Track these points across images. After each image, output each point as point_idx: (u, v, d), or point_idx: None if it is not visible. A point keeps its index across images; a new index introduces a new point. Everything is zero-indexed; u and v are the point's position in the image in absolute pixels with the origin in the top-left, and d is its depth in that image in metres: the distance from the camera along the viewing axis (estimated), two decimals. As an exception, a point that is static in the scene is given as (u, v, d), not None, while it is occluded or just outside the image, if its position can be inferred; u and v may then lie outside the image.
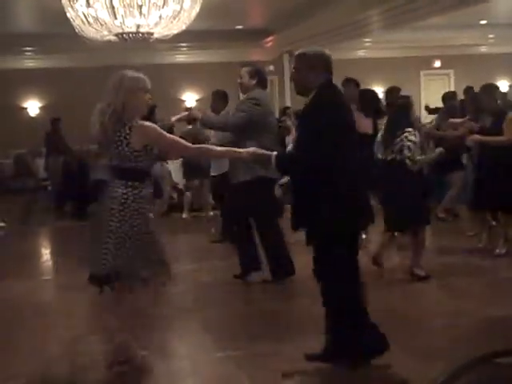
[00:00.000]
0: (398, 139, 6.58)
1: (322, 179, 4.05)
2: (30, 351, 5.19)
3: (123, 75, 4.47)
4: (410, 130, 6.62)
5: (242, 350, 4.87)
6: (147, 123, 4.32)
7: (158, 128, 4.37)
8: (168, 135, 4.44)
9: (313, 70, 4.21)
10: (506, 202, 7.38)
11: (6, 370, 4.78)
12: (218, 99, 8.48)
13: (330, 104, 4.12)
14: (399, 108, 6.98)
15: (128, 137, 4.22)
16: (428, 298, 6.35)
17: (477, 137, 7.51)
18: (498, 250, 7.55)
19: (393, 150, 6.63)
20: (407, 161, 6.60)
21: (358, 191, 4.24)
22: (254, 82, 6.74)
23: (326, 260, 4.21)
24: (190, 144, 4.65)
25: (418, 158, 6.66)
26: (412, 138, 6.58)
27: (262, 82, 6.87)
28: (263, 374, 4.44)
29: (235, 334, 5.31)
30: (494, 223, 8.21)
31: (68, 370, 4.86)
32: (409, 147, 6.55)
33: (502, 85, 18.96)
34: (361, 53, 19.08)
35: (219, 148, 5.11)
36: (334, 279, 4.20)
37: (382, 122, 7.57)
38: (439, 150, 7.09)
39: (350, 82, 8.43)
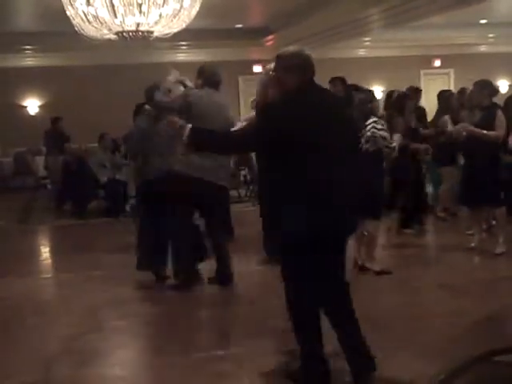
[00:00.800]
0: (365, 130, 6.59)
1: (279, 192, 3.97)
2: (28, 349, 5.20)
3: None
4: (374, 119, 6.67)
5: (243, 348, 4.88)
6: None
7: None
8: None
9: (289, 72, 4.00)
10: (491, 197, 7.43)
11: (5, 369, 4.78)
12: None
13: (274, 117, 3.95)
14: (360, 103, 6.95)
15: None
16: (427, 297, 6.35)
17: (466, 126, 7.48)
18: (498, 249, 7.56)
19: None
20: (385, 149, 6.65)
21: (323, 203, 3.89)
22: (199, 81, 6.64)
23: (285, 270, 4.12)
24: None
25: (394, 144, 6.75)
26: (379, 126, 6.62)
27: (208, 80, 6.59)
28: (263, 373, 4.45)
29: (234, 333, 5.31)
30: (494, 222, 8.23)
31: (67, 368, 4.87)
32: (382, 136, 6.59)
33: (502, 84, 18.98)
34: (361, 52, 19.07)
35: None
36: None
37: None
38: (398, 135, 7.25)
39: (336, 79, 8.44)
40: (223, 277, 6.63)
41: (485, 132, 7.31)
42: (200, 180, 6.21)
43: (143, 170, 7.01)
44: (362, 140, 6.51)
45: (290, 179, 3.89)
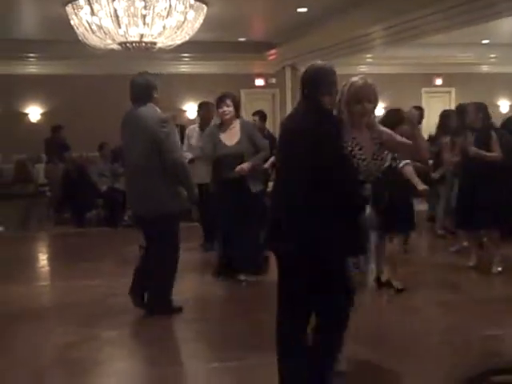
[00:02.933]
0: None
1: None
2: (22, 358, 5.18)
3: None
4: None
5: (238, 361, 4.88)
6: None
7: None
8: None
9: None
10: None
11: None
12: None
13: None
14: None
15: None
16: (422, 315, 6.34)
17: (475, 149, 7.51)
18: (494, 268, 7.56)
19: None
20: (393, 162, 6.67)
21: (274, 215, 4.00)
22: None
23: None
24: None
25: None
26: None
27: (132, 96, 6.16)
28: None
29: (232, 345, 5.31)
30: (485, 239, 8.24)
31: (61, 377, 4.86)
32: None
33: (503, 104, 19.04)
34: (362, 68, 19.09)
35: None
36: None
37: None
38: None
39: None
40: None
41: (489, 154, 7.37)
42: None
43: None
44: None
45: None
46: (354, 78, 4.27)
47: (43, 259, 10.02)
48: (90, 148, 13.72)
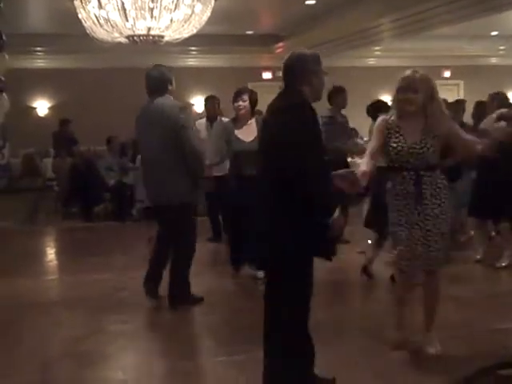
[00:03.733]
0: None
1: None
2: (30, 350, 5.20)
3: None
4: None
5: (245, 354, 4.87)
6: None
7: None
8: None
9: None
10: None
11: (5, 369, 4.79)
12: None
13: None
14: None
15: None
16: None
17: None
18: (499, 262, 7.52)
19: None
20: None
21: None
22: None
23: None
24: None
25: None
26: None
27: (148, 89, 6.26)
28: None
29: (239, 339, 5.30)
30: (493, 234, 8.21)
31: (68, 370, 4.87)
32: None
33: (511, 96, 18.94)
34: (370, 61, 19.07)
35: None
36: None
37: None
38: None
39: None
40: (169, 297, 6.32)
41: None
42: None
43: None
44: None
45: None
46: (407, 71, 4.66)
47: (51, 253, 10.04)
48: (97, 142, 13.73)
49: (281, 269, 3.77)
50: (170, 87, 6.21)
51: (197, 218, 6.35)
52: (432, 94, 4.50)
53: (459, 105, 9.56)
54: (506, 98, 7.89)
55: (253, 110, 7.15)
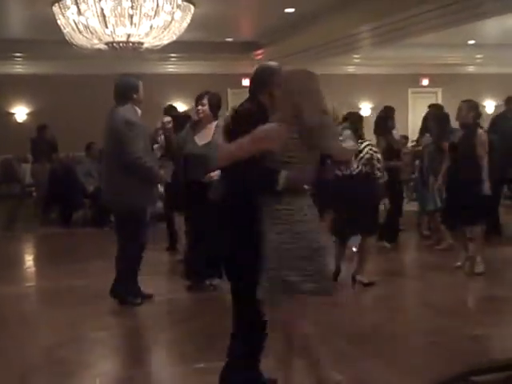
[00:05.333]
0: (363, 153, 6.92)
1: None
2: (7, 359, 5.17)
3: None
4: (368, 142, 6.96)
5: (223, 362, 4.87)
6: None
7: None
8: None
9: None
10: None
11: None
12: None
13: None
14: (350, 123, 7.21)
15: None
16: (411, 315, 6.38)
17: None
18: (477, 268, 7.58)
19: (357, 163, 6.92)
20: (378, 172, 6.86)
21: None
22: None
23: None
24: None
25: (381, 172, 6.99)
26: (375, 149, 6.96)
27: (114, 97, 6.50)
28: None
29: (218, 345, 5.31)
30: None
31: (46, 379, 4.85)
32: (378, 159, 6.87)
33: (489, 105, 19.12)
34: (350, 69, 19.16)
35: None
36: None
37: None
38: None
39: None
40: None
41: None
42: None
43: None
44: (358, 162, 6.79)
45: None
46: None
47: (29, 260, 9.99)
48: (76, 148, 13.68)
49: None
50: (135, 96, 6.39)
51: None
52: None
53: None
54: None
55: (215, 113, 6.92)
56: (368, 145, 7.03)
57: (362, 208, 6.95)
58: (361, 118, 7.56)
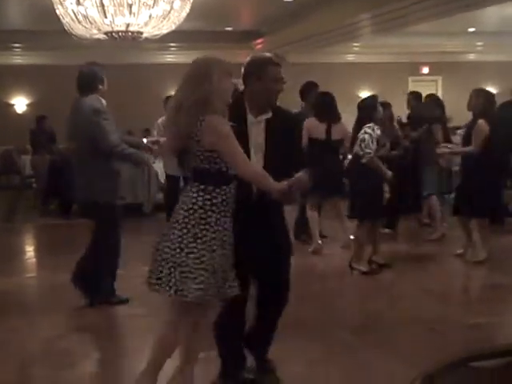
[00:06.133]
0: (359, 134, 6.94)
1: None
2: (8, 349, 5.16)
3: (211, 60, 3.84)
4: (369, 125, 6.88)
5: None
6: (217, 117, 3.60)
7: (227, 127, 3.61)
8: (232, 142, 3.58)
9: None
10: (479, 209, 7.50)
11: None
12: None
13: None
14: (363, 108, 7.15)
15: (199, 133, 3.57)
16: (411, 303, 6.37)
17: (445, 150, 7.87)
18: (480, 256, 7.56)
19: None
20: (360, 153, 6.85)
21: None
22: None
23: None
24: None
25: (368, 150, 6.84)
26: (368, 130, 6.85)
27: (78, 87, 6.37)
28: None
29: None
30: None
31: (47, 368, 4.85)
32: (363, 139, 6.80)
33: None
34: (350, 57, 19.12)
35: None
36: None
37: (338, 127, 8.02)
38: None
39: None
40: None
41: (461, 150, 7.62)
42: None
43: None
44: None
45: None
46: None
47: (29, 251, 9.99)
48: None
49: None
50: (100, 87, 6.20)
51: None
52: None
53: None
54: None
55: None
56: (368, 127, 6.92)
57: (356, 191, 7.13)
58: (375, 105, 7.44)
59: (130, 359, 5.06)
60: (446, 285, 6.80)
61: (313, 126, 7.91)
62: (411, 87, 19.36)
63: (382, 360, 4.65)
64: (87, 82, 6.17)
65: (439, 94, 16.90)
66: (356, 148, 6.94)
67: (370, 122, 6.93)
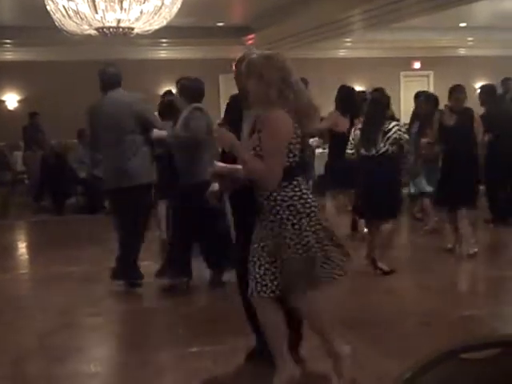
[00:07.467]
0: (391, 132, 6.65)
1: None
2: (2, 345, 5.17)
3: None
4: (397, 122, 6.82)
5: (219, 345, 4.89)
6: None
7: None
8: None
9: None
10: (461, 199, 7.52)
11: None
12: None
13: None
14: (376, 103, 7.08)
15: None
16: (403, 297, 6.40)
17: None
18: (470, 250, 7.57)
19: (384, 143, 6.65)
20: (407, 155, 6.83)
21: None
22: None
23: None
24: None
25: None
26: (403, 129, 6.81)
27: (106, 83, 6.67)
28: (238, 369, 4.46)
29: (212, 329, 5.32)
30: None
31: (40, 364, 4.85)
32: (407, 140, 6.80)
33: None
34: (341, 52, 19.12)
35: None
36: None
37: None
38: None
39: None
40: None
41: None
42: None
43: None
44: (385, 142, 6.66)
45: None
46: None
47: (22, 247, 9.98)
48: (68, 135, 13.63)
49: None
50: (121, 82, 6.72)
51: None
52: None
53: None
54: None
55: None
56: (397, 125, 6.75)
57: (380, 190, 6.73)
58: (388, 97, 7.42)
59: (124, 353, 5.07)
60: (438, 278, 6.81)
61: (339, 120, 7.97)
62: (403, 82, 19.40)
63: (376, 355, 4.67)
64: (116, 78, 6.63)
65: (431, 89, 16.97)
66: (393, 147, 6.68)
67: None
